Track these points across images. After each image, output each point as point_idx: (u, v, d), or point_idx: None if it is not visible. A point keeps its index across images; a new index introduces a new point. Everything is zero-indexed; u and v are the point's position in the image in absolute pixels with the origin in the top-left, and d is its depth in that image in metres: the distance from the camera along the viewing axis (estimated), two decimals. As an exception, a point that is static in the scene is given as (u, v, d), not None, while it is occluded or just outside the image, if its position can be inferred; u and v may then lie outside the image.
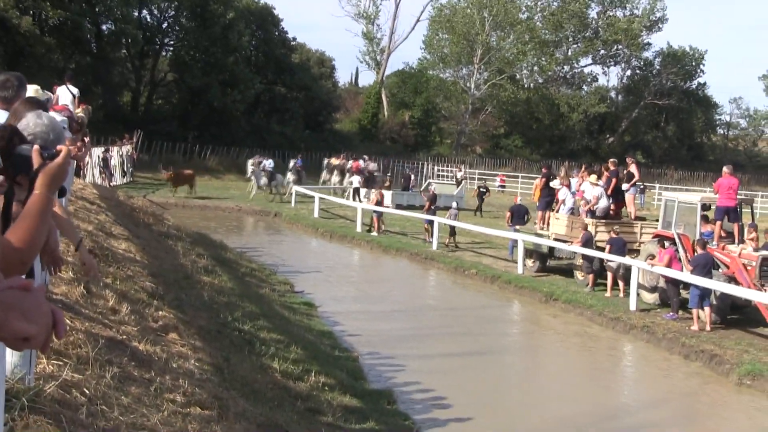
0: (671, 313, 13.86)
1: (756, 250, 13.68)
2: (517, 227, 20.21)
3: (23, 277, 1.90)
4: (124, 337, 5.20)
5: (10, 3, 34.61)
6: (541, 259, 18.37)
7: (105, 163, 29.59)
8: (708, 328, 12.99)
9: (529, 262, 18.48)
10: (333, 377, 8.64)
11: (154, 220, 16.05)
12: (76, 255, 4.52)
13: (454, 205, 23.50)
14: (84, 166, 19.54)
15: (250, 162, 32.35)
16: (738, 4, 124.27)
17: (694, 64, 63.87)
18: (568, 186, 18.51)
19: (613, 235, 15.84)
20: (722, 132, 71.68)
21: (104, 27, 42.90)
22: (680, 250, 14.38)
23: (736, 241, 14.32)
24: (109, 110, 42.09)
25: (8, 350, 2.93)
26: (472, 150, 60.19)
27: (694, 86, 65.05)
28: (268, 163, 32.31)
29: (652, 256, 14.59)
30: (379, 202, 25.26)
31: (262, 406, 6.12)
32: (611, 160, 19.13)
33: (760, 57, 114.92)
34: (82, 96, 12.86)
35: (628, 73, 65.30)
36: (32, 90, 6.05)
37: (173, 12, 46.48)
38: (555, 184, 19.22)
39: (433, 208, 22.83)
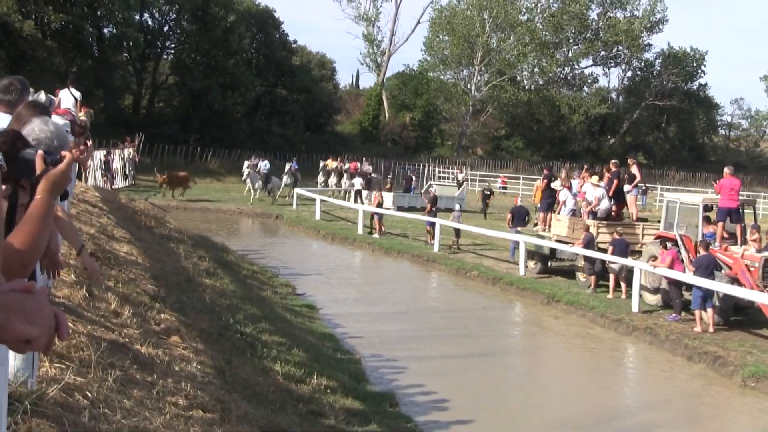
0: (674, 315, 13.84)
1: (759, 251, 13.63)
2: (519, 229, 20.20)
3: (25, 280, 1.90)
4: (127, 340, 5.20)
5: (12, 7, 34.70)
6: (543, 260, 18.36)
7: (107, 166, 29.60)
8: (711, 329, 12.97)
9: (531, 264, 18.46)
10: (335, 380, 8.64)
11: (156, 222, 16.06)
12: (78, 258, 4.52)
13: (457, 207, 23.48)
14: (86, 169, 19.55)
15: (245, 164, 32.21)
16: (738, 5, 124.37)
17: (695, 65, 63.83)
18: (569, 187, 18.50)
19: (616, 237, 15.82)
20: (724, 133, 71.61)
21: (106, 30, 43.03)
22: (682, 251, 14.36)
23: (739, 242, 14.29)
24: (111, 113, 42.17)
25: (11, 354, 2.92)
26: (473, 152, 60.21)
27: (695, 87, 65.01)
28: (264, 165, 32.16)
29: (654, 258, 14.57)
30: (380, 204, 25.26)
31: (264, 409, 6.11)
32: (613, 161, 19.12)
33: (761, 58, 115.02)
34: (83, 99, 12.87)
35: (629, 74, 65.34)
36: (40, 98, 6.08)
37: (174, 15, 46.59)
38: (556, 185, 19.21)
39: (434, 210, 22.83)
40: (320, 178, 35.28)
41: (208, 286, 10.97)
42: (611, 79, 72.51)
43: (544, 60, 60.36)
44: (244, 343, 8.59)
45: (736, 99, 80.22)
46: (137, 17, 44.26)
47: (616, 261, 15.46)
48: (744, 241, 14.21)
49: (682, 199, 15.72)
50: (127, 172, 33.13)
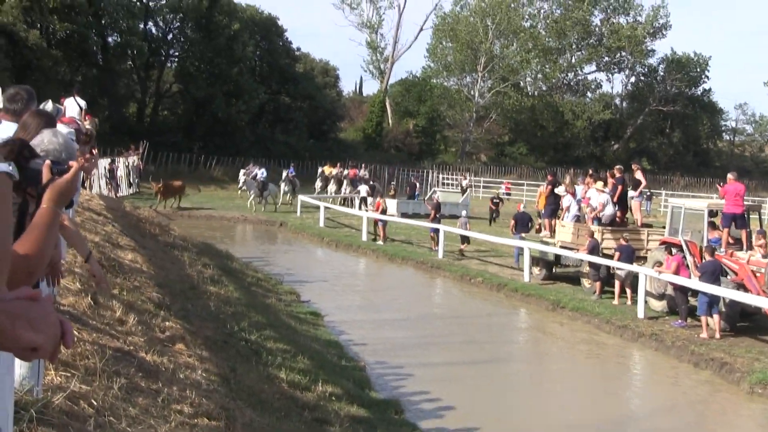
0: (680, 321, 13.78)
1: (765, 256, 13.58)
2: (523, 235, 20.17)
3: (30, 288, 1.90)
4: (131, 347, 5.20)
5: (18, 17, 34.88)
6: (548, 266, 18.32)
7: (111, 174, 29.67)
8: (717, 335, 12.91)
9: (536, 270, 18.43)
10: (340, 387, 8.62)
11: (160, 230, 16.09)
12: (83, 266, 4.53)
13: (464, 213, 23.46)
14: (90, 177, 19.61)
15: (242, 172, 32.18)
16: (742, 10, 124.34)
17: (698, 70, 63.78)
18: (573, 194, 18.47)
19: (623, 243, 15.78)
20: (728, 138, 71.49)
21: (110, 39, 43.19)
22: (688, 257, 14.31)
23: (744, 247, 14.25)
24: (115, 122, 42.27)
25: (17, 362, 2.93)
26: (477, 158, 60.21)
27: (699, 92, 64.95)
28: (261, 173, 32.09)
29: (659, 264, 14.53)
30: (384, 211, 25.26)
31: (269, 417, 6.10)
32: (617, 167, 19.08)
33: (765, 63, 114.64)
34: (88, 108, 12.93)
35: (633, 79, 65.36)
36: (48, 107, 6.11)
37: (178, 23, 46.76)
38: (560, 191, 19.18)
39: (438, 216, 22.79)
40: (318, 184, 35.12)
41: (212, 294, 10.98)
42: (615, 84, 72.94)
43: (547, 66, 60.41)
44: (249, 350, 8.59)
45: (740, 104, 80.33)
46: (141, 26, 44.46)
47: (622, 267, 15.42)
48: (750, 247, 14.16)
49: (687, 205, 15.68)
50: (131, 180, 33.20)
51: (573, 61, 63.06)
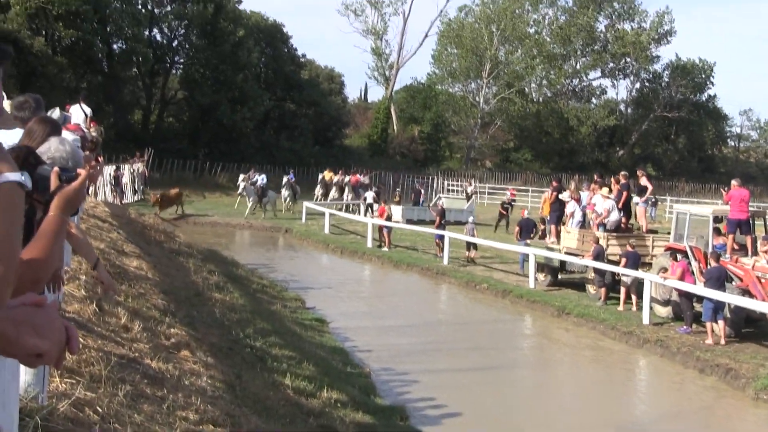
0: (685, 327, 13.75)
1: (770, 262, 13.56)
2: (528, 241, 20.15)
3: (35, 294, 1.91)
4: (137, 354, 5.21)
5: (23, 24, 35.07)
6: (553, 273, 18.30)
7: (116, 181, 29.76)
8: (722, 341, 12.87)
9: (541, 276, 18.40)
10: (345, 393, 8.61)
11: (165, 237, 16.12)
12: (89, 273, 4.54)
13: (471, 219, 23.42)
14: (95, 184, 19.67)
15: (241, 177, 31.88)
16: (746, 16, 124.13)
17: (703, 76, 63.67)
18: (578, 200, 18.45)
19: (629, 249, 15.75)
20: (733, 144, 71.32)
21: (115, 46, 43.42)
22: (693, 263, 14.28)
23: (750, 253, 14.21)
24: (120, 128, 42.42)
25: (22, 369, 2.93)
26: (482, 164, 60.17)
27: (703, 98, 64.78)
28: (261, 179, 31.90)
29: (664, 269, 14.49)
30: (389, 217, 25.25)
31: (275, 423, 6.10)
32: (622, 173, 19.06)
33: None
34: (93, 115, 12.97)
35: (637, 85, 65.21)
36: (55, 114, 6.14)
37: (183, 30, 46.93)
38: (564, 197, 19.16)
39: (443, 222, 22.77)
40: (318, 190, 35.04)
41: (217, 300, 10.99)
42: (619, 90, 72.53)
43: (552, 72, 60.41)
44: (254, 357, 8.59)
45: (745, 110, 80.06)
46: (146, 33, 44.61)
47: (627, 273, 15.39)
48: (755, 253, 14.12)
49: (692, 211, 15.65)
50: (136, 187, 33.29)
51: (578, 67, 63.06)
